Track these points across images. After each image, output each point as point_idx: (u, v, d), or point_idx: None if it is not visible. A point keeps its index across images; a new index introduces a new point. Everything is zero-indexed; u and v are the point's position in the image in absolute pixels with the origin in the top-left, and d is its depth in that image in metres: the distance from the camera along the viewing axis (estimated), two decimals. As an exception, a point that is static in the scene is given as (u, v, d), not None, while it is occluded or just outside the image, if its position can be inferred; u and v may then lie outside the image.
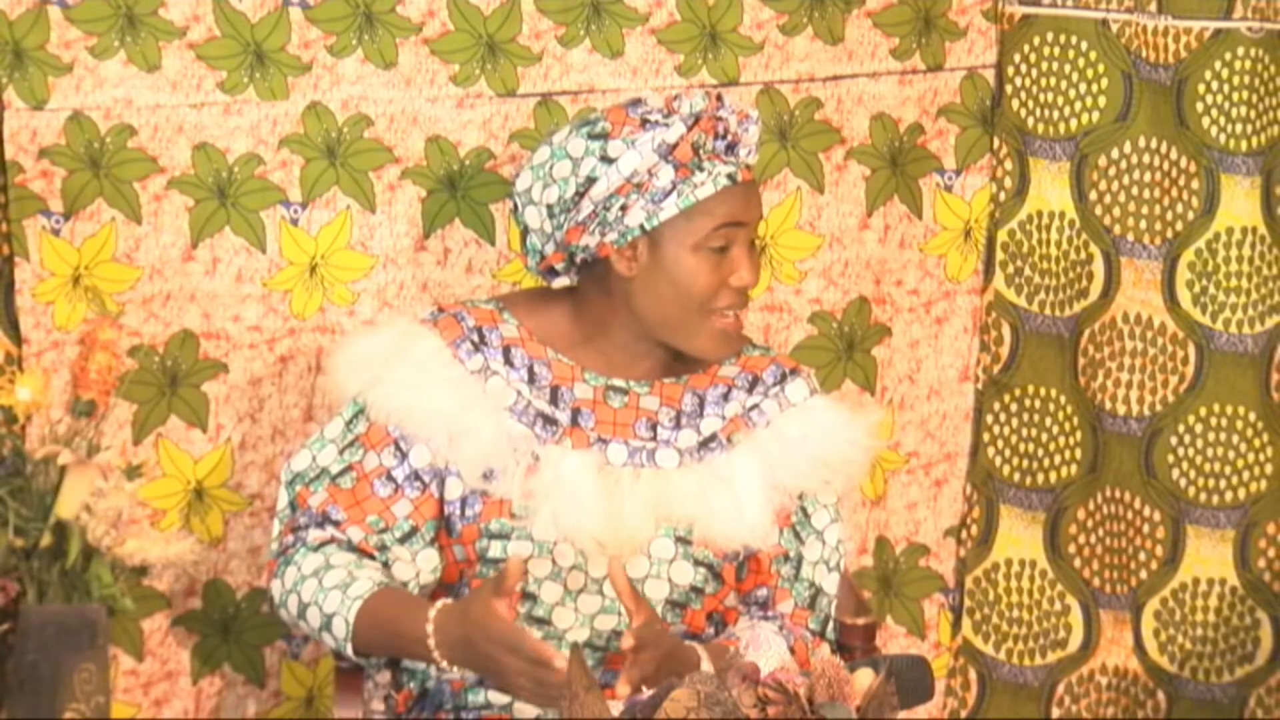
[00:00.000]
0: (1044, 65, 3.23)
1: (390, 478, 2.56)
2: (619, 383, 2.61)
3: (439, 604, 2.39)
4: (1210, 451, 3.27)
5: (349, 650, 2.47)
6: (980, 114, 3.25)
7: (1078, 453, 3.32)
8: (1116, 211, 3.24)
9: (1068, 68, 3.22)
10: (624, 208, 2.51)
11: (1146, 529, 3.30)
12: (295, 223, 2.95)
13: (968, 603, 3.38)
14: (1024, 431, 3.33)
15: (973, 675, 3.41)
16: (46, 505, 2.44)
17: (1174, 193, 3.23)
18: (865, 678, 2.21)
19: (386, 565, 2.53)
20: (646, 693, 2.23)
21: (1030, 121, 3.25)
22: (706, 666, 2.45)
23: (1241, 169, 3.19)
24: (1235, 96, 3.17)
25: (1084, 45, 3.21)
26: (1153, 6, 3.18)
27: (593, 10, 3.02)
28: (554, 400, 2.58)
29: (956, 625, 3.39)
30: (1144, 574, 3.32)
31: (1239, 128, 3.18)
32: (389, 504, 2.55)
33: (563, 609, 2.54)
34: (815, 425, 2.62)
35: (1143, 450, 3.28)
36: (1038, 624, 3.38)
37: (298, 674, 3.08)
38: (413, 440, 2.55)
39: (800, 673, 2.22)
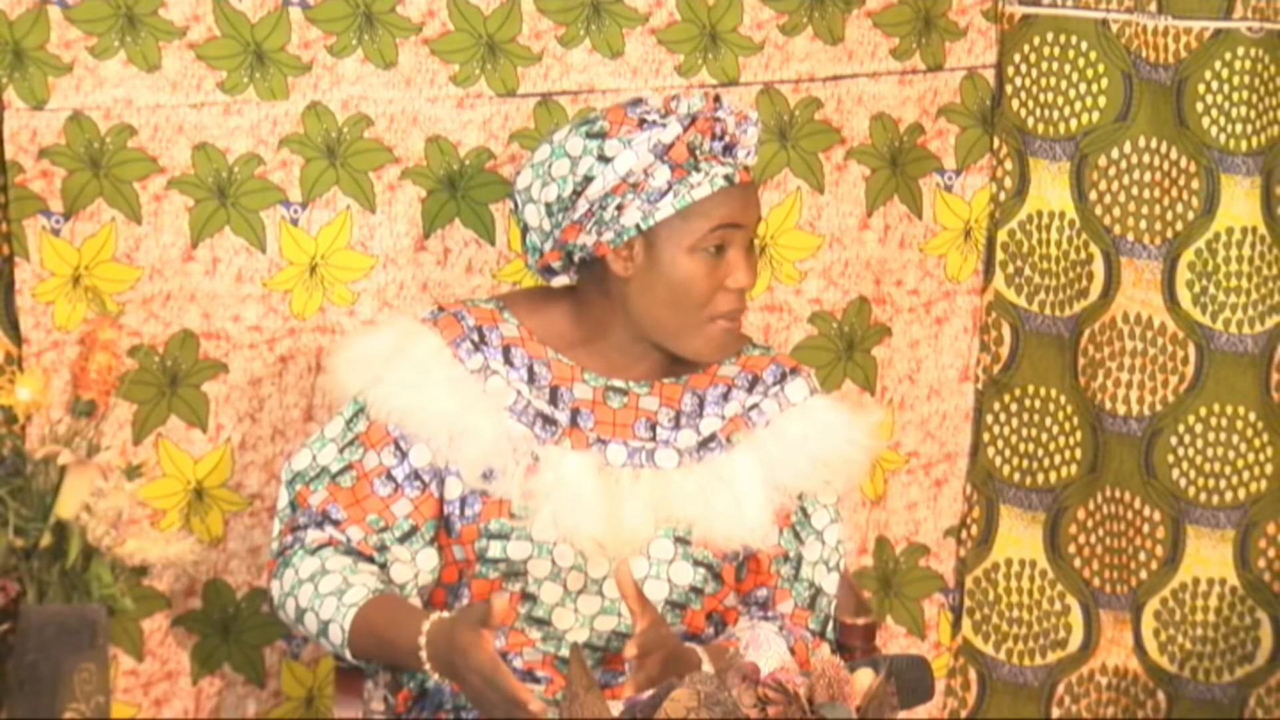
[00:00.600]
0: (1044, 65, 3.23)
1: (390, 477, 2.55)
2: (618, 383, 2.61)
3: (433, 616, 2.38)
4: (1210, 451, 3.27)
5: (347, 655, 2.47)
6: (980, 114, 3.25)
7: (1078, 453, 3.32)
8: (1116, 211, 3.24)
9: (1068, 68, 3.22)
10: (620, 207, 2.50)
11: (1146, 529, 3.30)
12: (295, 223, 2.95)
13: (968, 603, 3.38)
14: (1024, 431, 3.33)
15: (973, 675, 3.41)
16: (46, 505, 2.44)
17: (1174, 193, 3.23)
18: (865, 678, 2.21)
19: (385, 566, 2.53)
20: (647, 693, 2.23)
21: (1030, 121, 3.25)
22: (706, 667, 2.45)
23: (1241, 169, 3.19)
24: (1235, 96, 3.17)
25: (1084, 45, 3.21)
26: (1153, 6, 3.18)
27: (593, 10, 3.02)
28: (553, 400, 2.58)
29: (956, 625, 3.39)
30: (1144, 574, 3.32)
31: (1239, 128, 3.18)
32: (389, 503, 2.55)
33: (562, 609, 2.54)
34: (815, 425, 2.62)
35: (1143, 450, 3.28)
36: (1038, 624, 3.38)
37: (298, 674, 3.08)
38: (413, 439, 2.55)
39: (800, 673, 2.22)
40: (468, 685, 2.31)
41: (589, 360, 2.61)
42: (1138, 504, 3.29)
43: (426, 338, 2.58)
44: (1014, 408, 3.33)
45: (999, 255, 3.30)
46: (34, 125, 2.83)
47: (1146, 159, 3.22)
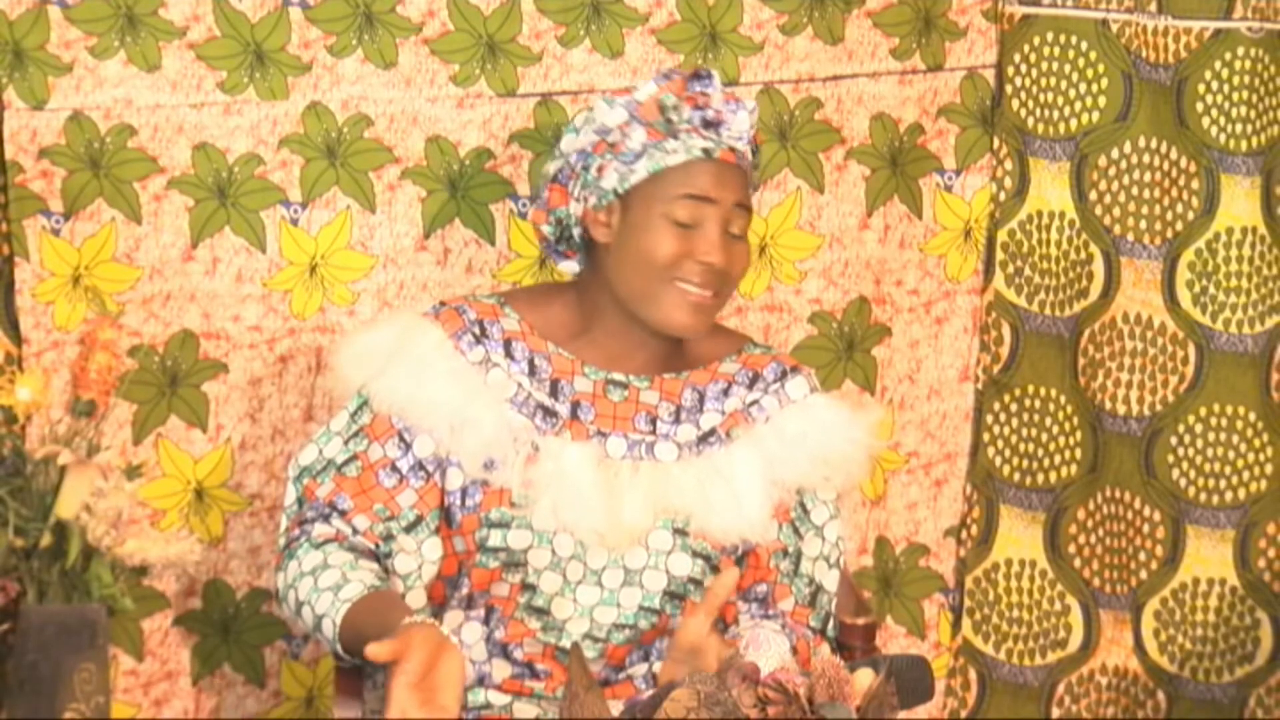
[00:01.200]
0: (1044, 65, 3.23)
1: (395, 468, 2.56)
2: (619, 377, 2.61)
3: (413, 618, 2.33)
4: (1210, 451, 3.27)
5: (340, 650, 2.47)
6: (980, 114, 3.25)
7: (1078, 453, 3.32)
8: (1116, 211, 3.24)
9: (1068, 68, 3.22)
10: (600, 169, 2.55)
11: (1146, 529, 3.30)
12: (295, 223, 2.95)
13: (968, 603, 3.38)
14: (1024, 431, 3.33)
15: (973, 675, 3.41)
16: (46, 505, 2.44)
17: (1174, 193, 3.23)
18: (865, 678, 2.21)
19: (390, 557, 2.54)
20: (647, 693, 2.23)
21: (1030, 121, 3.25)
22: (706, 666, 2.45)
23: (1241, 169, 3.19)
24: (1235, 96, 3.17)
25: (1084, 45, 3.21)
26: (1153, 6, 3.18)
27: (593, 10, 3.03)
28: (554, 393, 2.59)
29: (956, 625, 3.39)
30: (1144, 574, 3.32)
31: (1239, 128, 3.18)
32: (394, 494, 2.56)
33: (561, 599, 2.54)
34: (815, 422, 2.62)
35: (1143, 450, 3.28)
36: (1038, 624, 3.38)
37: (298, 674, 3.08)
38: (416, 431, 2.56)
39: (800, 673, 2.22)
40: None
41: (589, 353, 2.61)
42: (1138, 504, 3.29)
43: (428, 331, 2.59)
44: (1014, 408, 3.33)
45: (999, 255, 3.30)
46: (34, 125, 2.83)
47: (1146, 159, 3.23)
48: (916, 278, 3.26)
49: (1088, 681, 3.39)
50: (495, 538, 2.54)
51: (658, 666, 2.55)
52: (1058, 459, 3.34)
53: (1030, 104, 3.24)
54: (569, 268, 2.68)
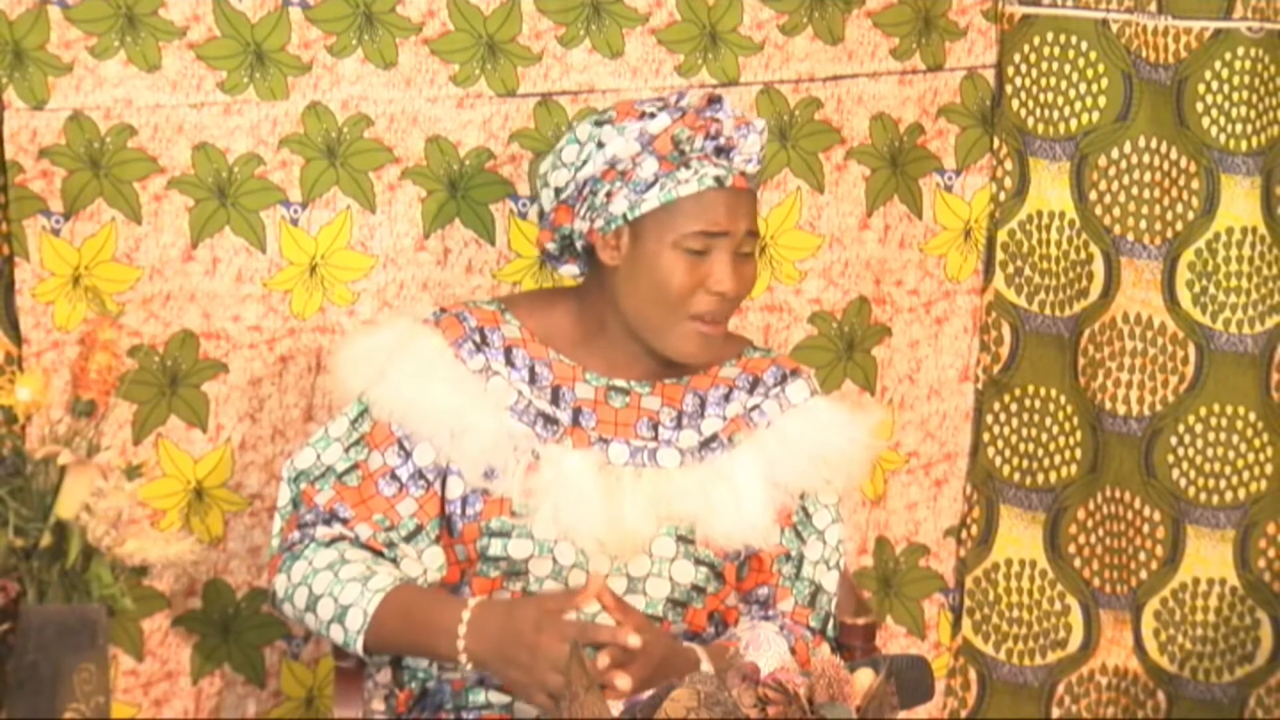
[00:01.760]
0: (1044, 65, 3.23)
1: (394, 477, 2.56)
2: (620, 383, 2.61)
3: (477, 599, 2.42)
4: (1210, 451, 3.27)
5: (357, 645, 2.47)
6: (980, 114, 3.25)
7: (1078, 453, 3.32)
8: (1116, 211, 3.24)
9: (1068, 68, 3.22)
10: (609, 194, 2.52)
11: (1146, 529, 3.30)
12: (295, 223, 2.95)
13: (968, 603, 3.38)
14: (1024, 431, 3.33)
15: (973, 675, 3.41)
16: (46, 505, 2.44)
17: (1174, 193, 3.23)
18: (865, 678, 2.21)
19: (395, 562, 2.54)
20: (647, 693, 2.23)
21: (1030, 121, 3.25)
22: (706, 667, 2.45)
23: (1241, 169, 3.19)
24: (1235, 96, 3.17)
25: (1084, 45, 3.21)
26: (1153, 6, 3.18)
27: (593, 10, 3.02)
28: (555, 400, 2.58)
29: (956, 625, 3.39)
30: (1144, 574, 3.32)
31: (1239, 128, 3.18)
32: (394, 503, 2.55)
33: (563, 608, 2.54)
34: (816, 425, 2.62)
35: (1143, 450, 3.28)
36: (1038, 624, 3.38)
37: (298, 674, 3.08)
38: (416, 439, 2.56)
39: (800, 673, 2.22)
40: (515, 667, 2.33)
41: (590, 360, 2.61)
42: (1138, 504, 3.29)
43: (429, 338, 2.59)
44: (1014, 408, 3.33)
45: (999, 255, 3.30)
46: (34, 125, 2.83)
47: (1146, 159, 3.22)
48: (916, 278, 3.26)
49: (1088, 681, 3.39)
50: (496, 547, 2.53)
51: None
52: (1058, 459, 3.33)
53: (1030, 104, 3.24)
54: (569, 272, 2.67)
